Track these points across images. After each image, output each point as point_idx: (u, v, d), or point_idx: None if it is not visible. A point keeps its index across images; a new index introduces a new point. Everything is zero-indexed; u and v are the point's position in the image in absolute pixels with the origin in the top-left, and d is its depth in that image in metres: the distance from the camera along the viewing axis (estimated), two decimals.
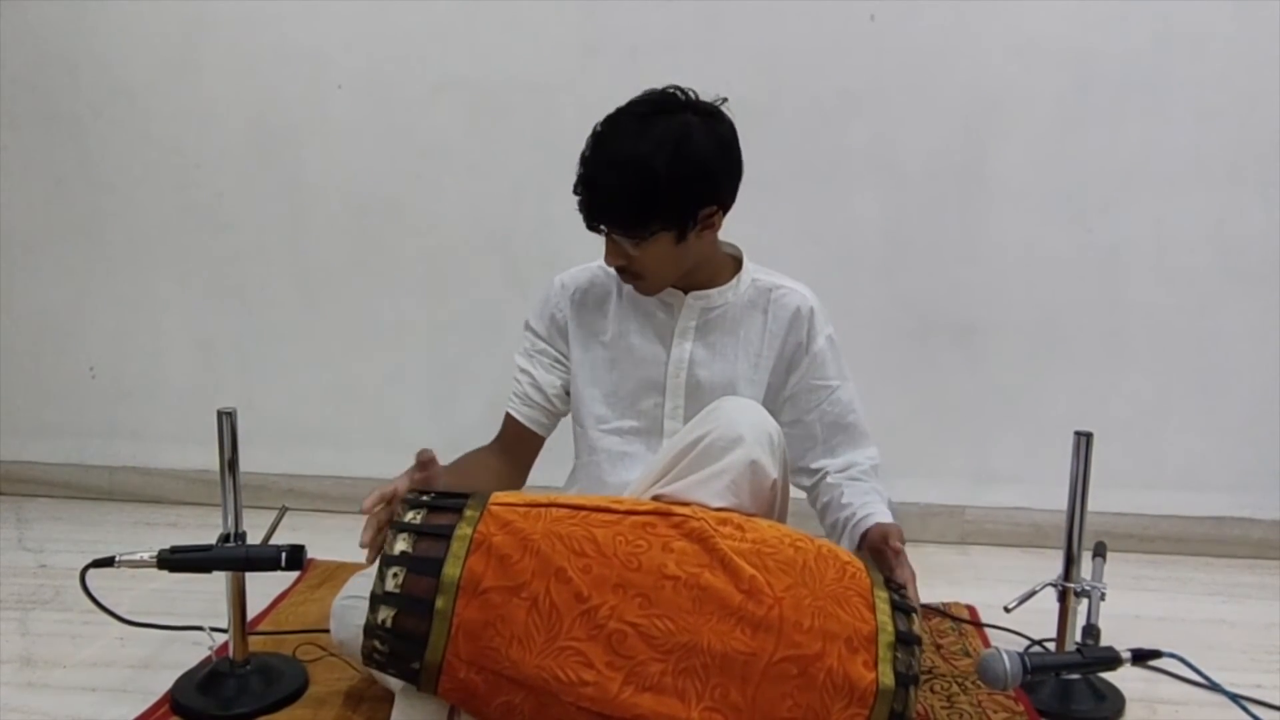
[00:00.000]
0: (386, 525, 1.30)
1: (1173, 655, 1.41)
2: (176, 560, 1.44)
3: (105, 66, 2.46)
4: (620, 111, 1.49)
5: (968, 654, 1.79)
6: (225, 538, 1.55)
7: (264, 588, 1.89)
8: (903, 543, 1.41)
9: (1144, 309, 2.36)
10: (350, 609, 1.46)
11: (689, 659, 1.19)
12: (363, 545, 1.33)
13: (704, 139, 1.46)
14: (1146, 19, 2.25)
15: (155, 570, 1.44)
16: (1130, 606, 2.00)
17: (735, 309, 1.62)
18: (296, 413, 2.56)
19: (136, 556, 1.43)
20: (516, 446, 1.69)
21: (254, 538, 1.53)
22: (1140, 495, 2.38)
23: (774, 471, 1.40)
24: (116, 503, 2.59)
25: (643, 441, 1.63)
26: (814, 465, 1.65)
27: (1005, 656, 1.32)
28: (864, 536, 1.48)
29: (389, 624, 1.20)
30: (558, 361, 1.68)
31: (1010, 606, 1.65)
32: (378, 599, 1.21)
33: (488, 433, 1.72)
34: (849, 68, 2.32)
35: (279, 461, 2.50)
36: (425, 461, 1.42)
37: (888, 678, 1.19)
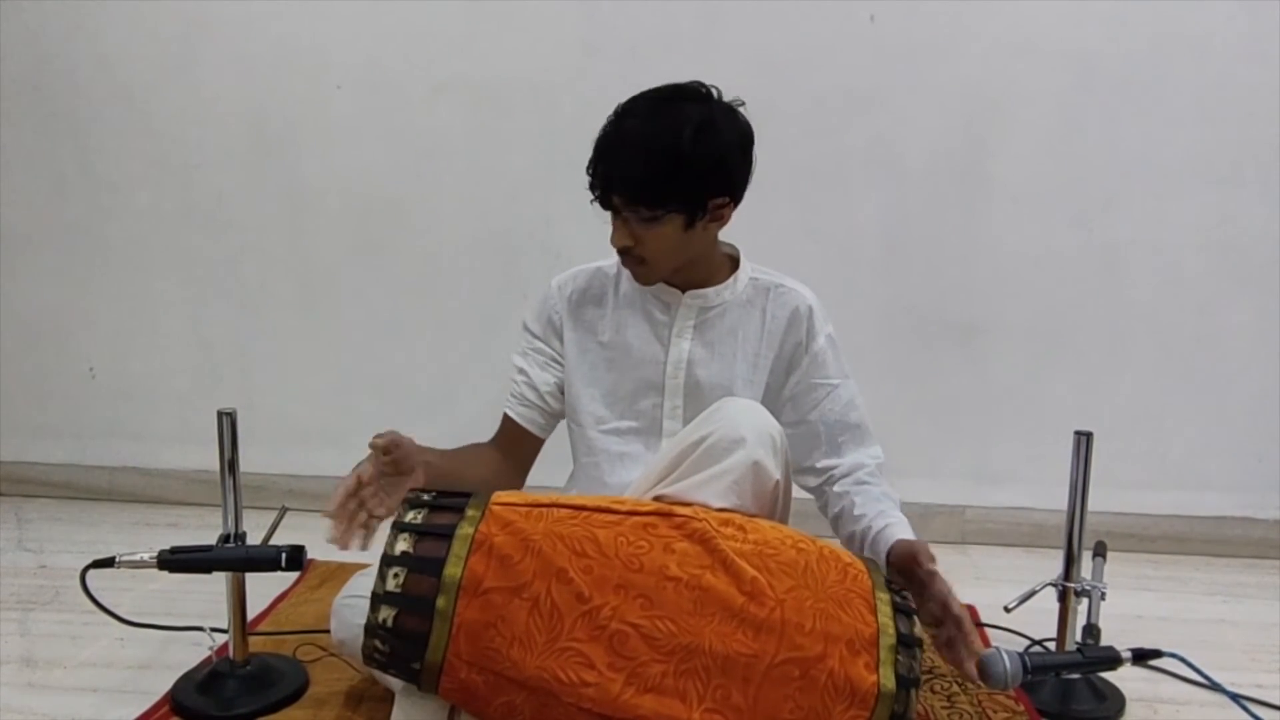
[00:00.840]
0: (355, 517, 1.31)
1: (1173, 655, 1.41)
2: (176, 560, 1.44)
3: (105, 66, 2.46)
4: (644, 94, 1.50)
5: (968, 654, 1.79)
6: (225, 538, 1.55)
7: (264, 588, 1.89)
8: (933, 561, 1.39)
9: (1144, 309, 2.36)
10: (351, 608, 1.46)
11: (690, 660, 1.18)
12: (331, 541, 1.31)
13: (727, 129, 1.48)
14: (1146, 19, 2.25)
15: (155, 570, 1.44)
16: (1130, 606, 2.00)
17: (733, 308, 1.62)
18: (296, 413, 2.55)
19: (136, 557, 1.43)
20: (514, 447, 1.69)
21: (254, 538, 1.53)
22: (1140, 495, 2.38)
23: (776, 472, 1.39)
24: (116, 503, 2.59)
25: (641, 441, 1.62)
26: (819, 465, 1.63)
27: (1005, 656, 1.31)
28: (887, 555, 1.46)
29: (390, 624, 1.20)
30: (553, 360, 1.68)
31: (1010, 606, 1.65)
32: (379, 598, 1.21)
33: (486, 433, 1.72)
34: (849, 68, 2.32)
35: (279, 461, 2.50)
36: (386, 446, 1.36)
37: (889, 680, 1.19)
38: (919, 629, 1.26)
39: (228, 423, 1.56)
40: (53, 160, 2.51)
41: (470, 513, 1.26)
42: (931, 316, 2.41)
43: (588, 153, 1.52)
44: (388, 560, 1.22)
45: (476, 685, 1.21)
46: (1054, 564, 1.67)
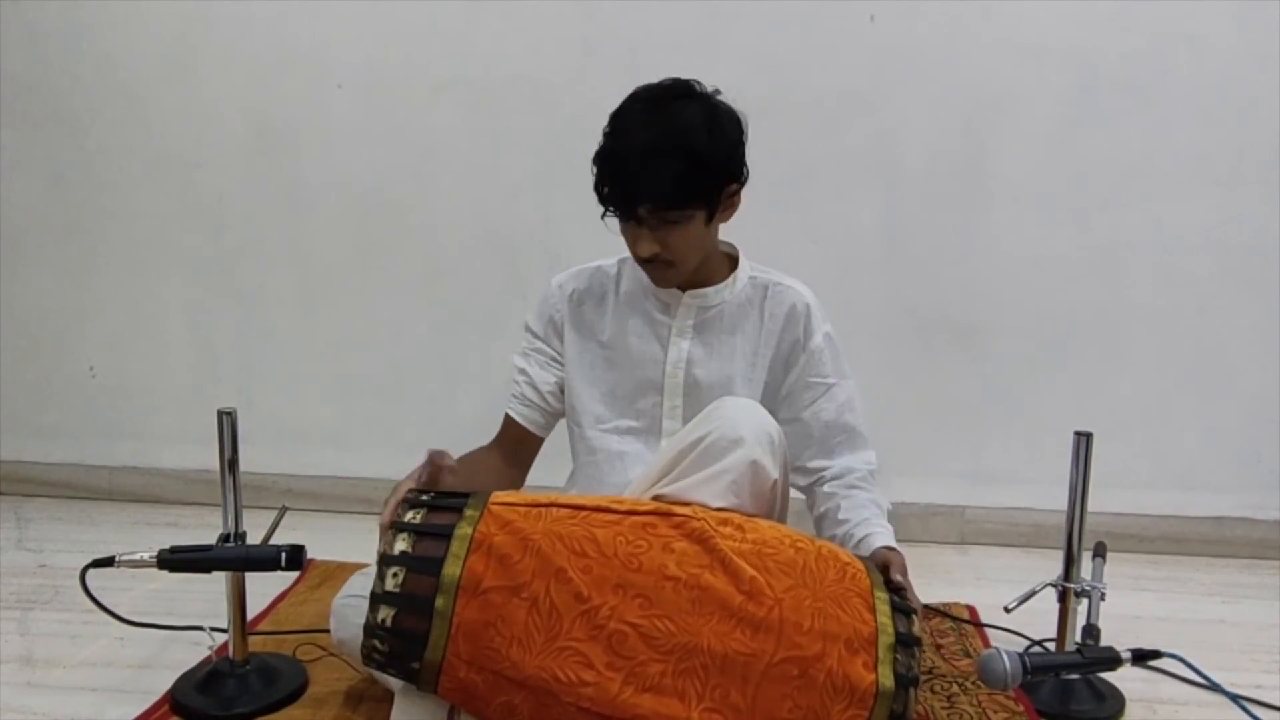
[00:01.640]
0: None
1: (1173, 655, 1.41)
2: (176, 560, 1.44)
3: (105, 66, 2.46)
4: (636, 101, 1.50)
5: (968, 654, 1.79)
6: (225, 538, 1.55)
7: (264, 588, 1.89)
8: (904, 574, 1.39)
9: (1144, 309, 2.36)
10: (351, 608, 1.46)
11: (689, 659, 1.18)
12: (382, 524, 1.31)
13: (726, 118, 1.50)
14: (1146, 19, 2.24)
15: (155, 570, 1.44)
16: (1130, 606, 2.00)
17: (732, 307, 1.62)
18: (296, 413, 2.55)
19: (136, 556, 1.43)
20: (515, 447, 1.70)
21: (254, 538, 1.53)
22: (1140, 495, 2.38)
23: (775, 472, 1.40)
24: (116, 503, 2.59)
25: (641, 441, 1.63)
26: (811, 465, 1.64)
27: (1005, 656, 1.32)
28: None
29: (389, 623, 1.20)
30: (553, 360, 1.69)
31: (1010, 606, 1.65)
32: (377, 598, 1.21)
33: (487, 432, 1.72)
34: (849, 68, 2.32)
35: (279, 461, 2.50)
36: (439, 466, 1.38)
37: (887, 679, 1.19)
38: (917, 628, 1.26)
39: (228, 422, 1.56)
40: (53, 160, 2.51)
41: (469, 513, 1.26)
42: (931, 317, 2.41)
43: (588, 153, 1.51)
44: (386, 560, 1.22)
45: (475, 685, 1.21)
46: (1054, 564, 1.67)
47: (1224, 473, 2.39)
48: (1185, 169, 2.30)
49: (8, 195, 2.54)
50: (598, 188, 1.49)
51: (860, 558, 1.36)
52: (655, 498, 1.39)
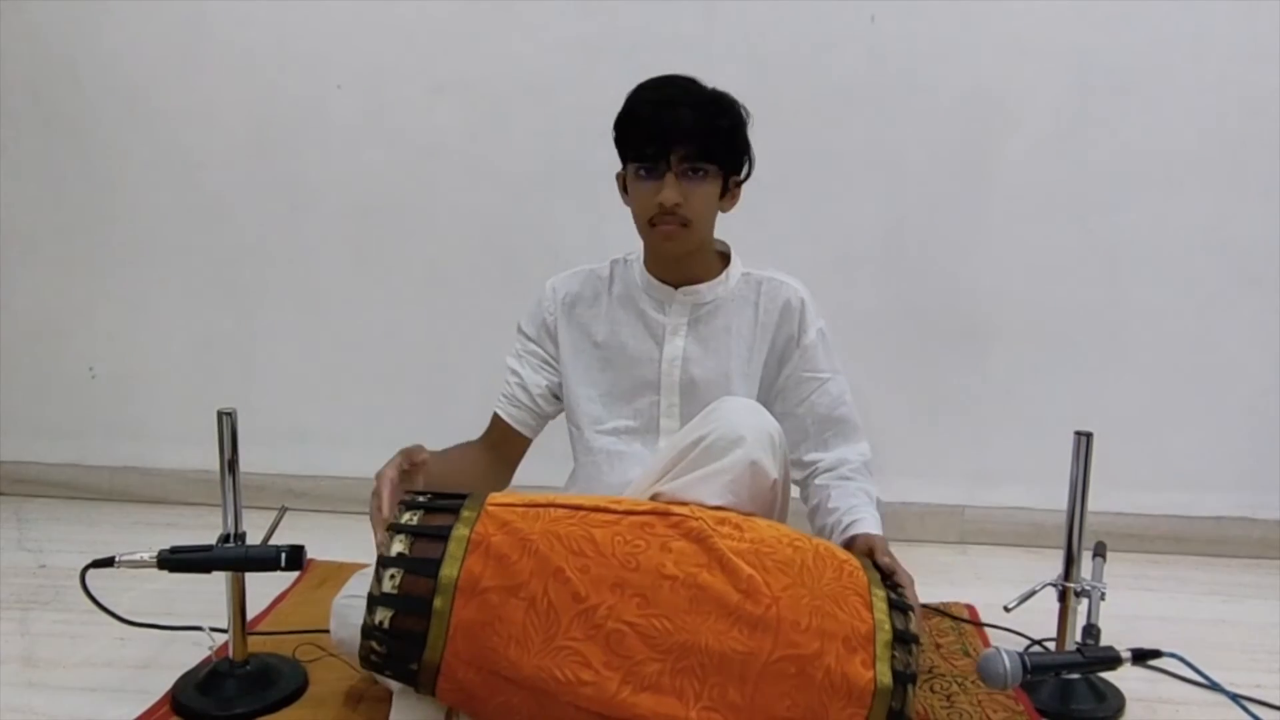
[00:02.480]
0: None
1: (1173, 655, 1.41)
2: (176, 560, 1.44)
3: (105, 66, 2.46)
4: (655, 77, 1.55)
5: (967, 654, 1.79)
6: (225, 538, 1.55)
7: (264, 588, 1.89)
8: (889, 555, 1.41)
9: (1144, 309, 2.36)
10: (351, 608, 1.46)
11: (687, 658, 1.19)
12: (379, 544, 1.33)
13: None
14: (1146, 19, 2.24)
15: (155, 570, 1.44)
16: (1130, 606, 2.00)
17: (726, 303, 1.63)
18: (296, 413, 2.55)
19: (136, 556, 1.43)
20: (503, 445, 1.71)
21: (254, 538, 1.53)
22: (1140, 495, 2.38)
23: (774, 472, 1.40)
24: (116, 503, 2.59)
25: (639, 440, 1.63)
26: (806, 459, 1.65)
27: (1005, 656, 1.31)
28: (849, 547, 1.47)
29: (386, 625, 1.20)
30: (546, 363, 1.69)
31: (1010, 606, 1.65)
32: (375, 600, 1.21)
33: (482, 434, 1.73)
34: (849, 68, 2.32)
35: (279, 461, 2.50)
36: (414, 462, 1.42)
37: (885, 676, 1.19)
38: (915, 625, 1.26)
39: (228, 423, 1.56)
40: (53, 160, 2.51)
41: (466, 514, 1.26)
42: (931, 317, 2.40)
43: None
44: (384, 562, 1.22)
45: (474, 685, 1.21)
46: (1054, 564, 1.67)
47: (1224, 473, 2.39)
48: (1185, 169, 2.29)
49: (8, 195, 2.54)
50: (625, 137, 1.53)
51: (858, 556, 1.36)
52: (654, 496, 1.39)
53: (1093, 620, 1.54)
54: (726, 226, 1.62)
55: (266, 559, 1.45)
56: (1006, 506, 2.43)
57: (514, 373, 1.70)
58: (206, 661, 1.63)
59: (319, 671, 1.65)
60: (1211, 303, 2.34)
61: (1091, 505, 1.63)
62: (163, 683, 1.62)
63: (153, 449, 2.61)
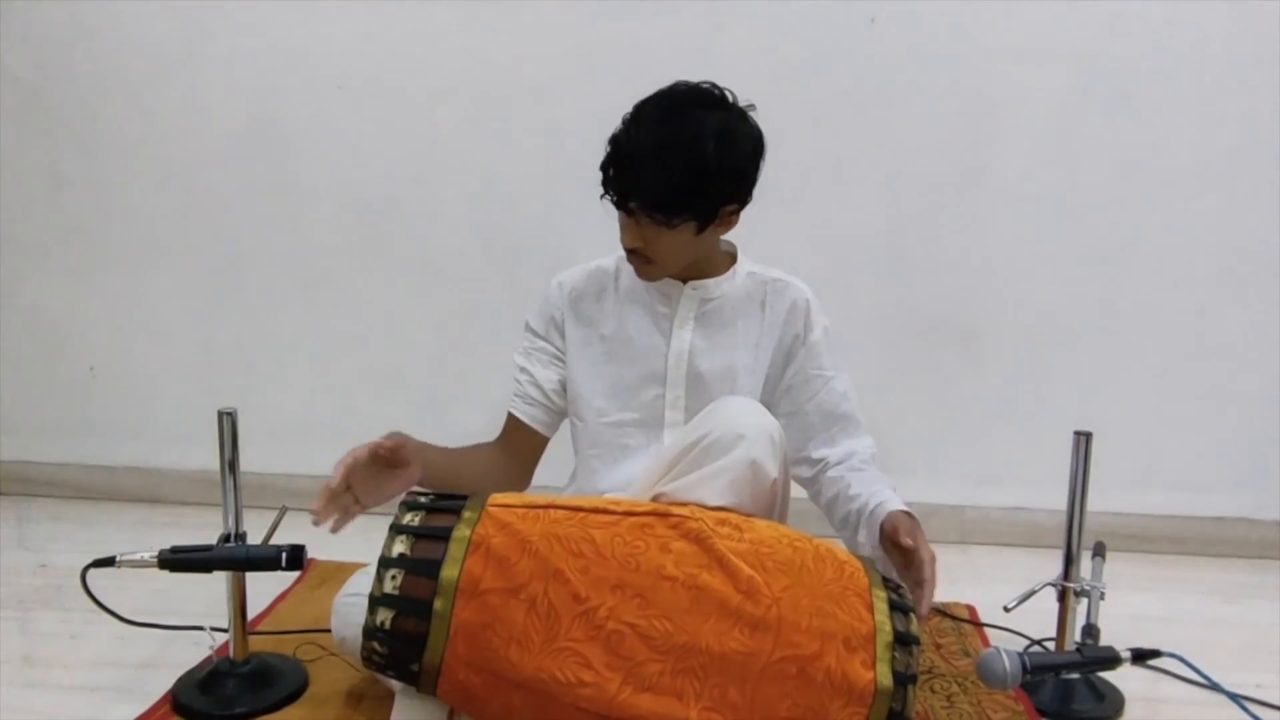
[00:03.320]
0: (346, 507, 1.34)
1: (1173, 655, 1.41)
2: (177, 560, 1.44)
3: (105, 66, 2.46)
4: (659, 96, 1.49)
5: (967, 654, 1.79)
6: (225, 538, 1.55)
7: (264, 588, 1.89)
8: (914, 537, 1.41)
9: (1144, 309, 2.36)
10: (352, 607, 1.46)
11: (687, 659, 1.19)
12: (313, 511, 1.34)
13: (744, 138, 1.49)
14: (1146, 19, 2.24)
15: (156, 570, 1.43)
16: (1130, 606, 2.00)
17: (732, 300, 1.63)
18: (296, 413, 2.55)
19: (137, 556, 1.43)
20: (519, 445, 1.70)
21: (254, 538, 1.53)
22: (1140, 495, 2.38)
23: (774, 471, 1.40)
24: (116, 503, 2.59)
25: (643, 434, 1.63)
26: (815, 455, 1.65)
27: (1005, 656, 1.32)
28: (882, 529, 1.47)
29: (387, 626, 1.21)
30: (555, 358, 1.69)
31: (1010, 606, 1.65)
32: (376, 601, 1.21)
33: (485, 433, 1.72)
34: (849, 69, 2.32)
35: (279, 461, 2.49)
36: (393, 448, 1.40)
37: (886, 677, 1.19)
38: (916, 626, 1.26)
39: (228, 422, 1.56)
40: (53, 160, 2.51)
41: (467, 515, 1.26)
42: (932, 317, 2.40)
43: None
44: (385, 562, 1.22)
45: (475, 686, 1.21)
46: (1053, 564, 1.67)
47: (1224, 473, 2.39)
48: (1185, 169, 2.30)
49: (8, 195, 2.54)
50: (602, 169, 1.50)
51: (859, 556, 1.37)
52: (655, 497, 1.39)
53: (1092, 620, 1.54)
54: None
55: (267, 559, 1.44)
56: (1006, 506, 2.43)
57: (524, 370, 1.70)
58: (207, 661, 1.63)
59: (319, 671, 1.65)
60: (1211, 303, 2.34)
61: (1091, 505, 1.64)
62: (163, 682, 1.62)
63: (153, 449, 2.60)
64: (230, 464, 1.57)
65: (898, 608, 1.25)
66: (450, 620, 1.20)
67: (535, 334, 1.71)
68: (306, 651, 1.70)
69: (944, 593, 2.03)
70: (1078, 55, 2.28)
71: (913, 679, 1.21)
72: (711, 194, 1.47)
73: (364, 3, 2.38)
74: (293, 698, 1.59)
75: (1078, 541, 1.63)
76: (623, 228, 1.53)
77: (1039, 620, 1.76)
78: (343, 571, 1.92)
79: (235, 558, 1.48)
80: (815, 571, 1.25)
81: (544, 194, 2.40)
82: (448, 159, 2.44)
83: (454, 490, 1.37)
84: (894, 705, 1.19)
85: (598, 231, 1.58)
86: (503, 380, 1.74)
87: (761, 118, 1.56)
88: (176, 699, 1.57)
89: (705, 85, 1.50)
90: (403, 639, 1.21)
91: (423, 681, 1.23)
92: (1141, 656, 1.38)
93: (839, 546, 1.41)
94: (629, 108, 1.51)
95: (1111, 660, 1.38)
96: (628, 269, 1.65)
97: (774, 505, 1.43)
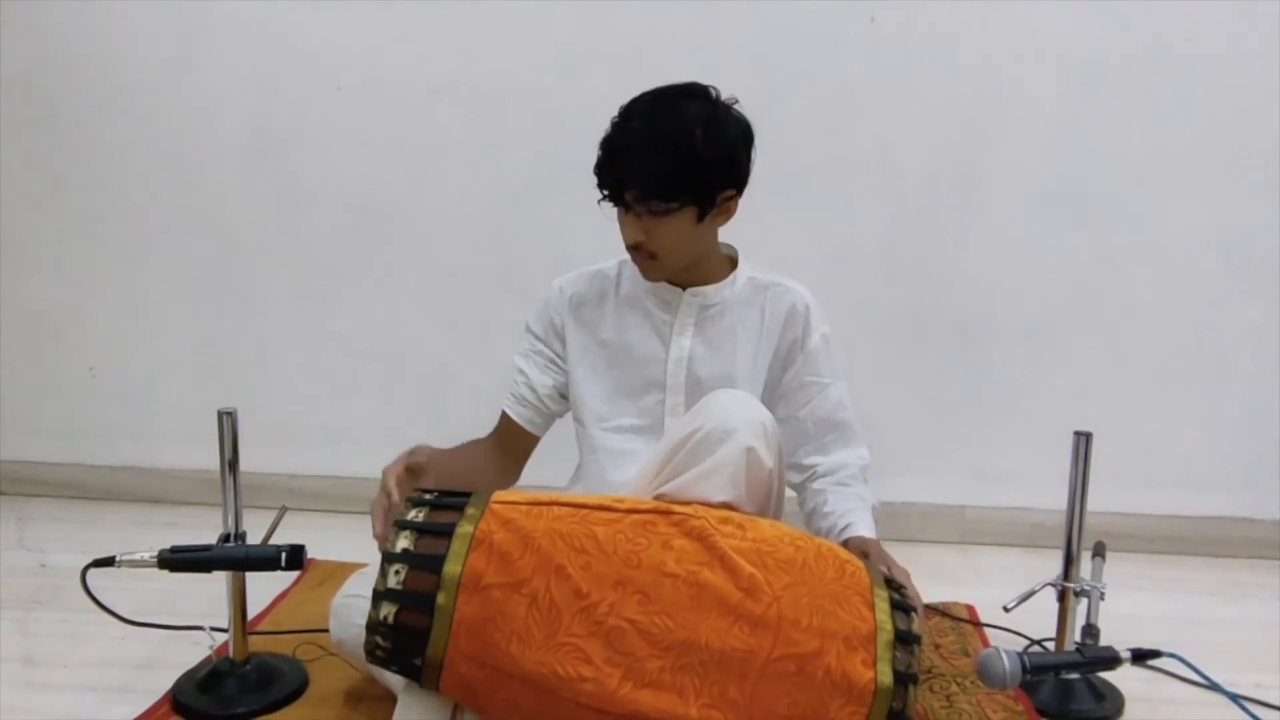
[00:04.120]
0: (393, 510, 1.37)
1: (1173, 655, 1.41)
2: (177, 560, 1.44)
3: (105, 66, 2.46)
4: (645, 95, 1.53)
5: (967, 653, 1.79)
6: (225, 538, 1.55)
7: (264, 588, 1.89)
8: (884, 559, 1.43)
9: (1143, 309, 2.36)
10: (350, 607, 1.47)
11: (687, 656, 1.19)
12: (377, 537, 1.38)
13: (731, 125, 1.52)
14: (1146, 19, 2.25)
15: (156, 570, 1.43)
16: (1130, 606, 2.00)
17: (732, 305, 1.63)
18: (296, 413, 2.55)
19: (137, 556, 1.43)
20: (511, 443, 1.72)
21: (254, 538, 1.53)
22: (1140, 495, 2.38)
23: (769, 460, 1.40)
24: (116, 503, 2.59)
25: (643, 439, 1.63)
26: (805, 462, 1.66)
27: (1004, 656, 1.32)
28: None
29: (391, 620, 1.21)
30: (553, 363, 1.70)
31: (1009, 606, 1.65)
32: (380, 595, 1.21)
33: (485, 432, 1.73)
34: (849, 69, 2.32)
35: (279, 461, 2.50)
36: (416, 464, 1.48)
37: (886, 676, 1.19)
38: (917, 626, 1.26)
39: (228, 422, 1.56)
40: (53, 160, 2.51)
41: (470, 511, 1.27)
42: (931, 317, 2.41)
43: (587, 154, 1.53)
44: (389, 557, 1.23)
45: (477, 681, 1.22)
46: (1053, 564, 1.67)
47: (1224, 473, 2.39)
48: (1185, 169, 2.30)
49: (8, 195, 2.54)
50: (595, 170, 1.52)
51: (860, 557, 1.37)
52: (657, 497, 1.39)
53: (1092, 620, 1.54)
54: (726, 227, 1.61)
55: (267, 559, 1.45)
56: (1006, 506, 2.43)
57: (521, 372, 1.71)
58: (207, 661, 1.63)
59: (319, 671, 1.65)
60: (1211, 302, 2.34)
61: (1091, 505, 1.64)
62: (163, 682, 1.62)
63: (153, 449, 2.60)
64: (230, 464, 1.57)
65: (899, 607, 1.25)
66: (453, 615, 1.20)
67: (535, 337, 1.72)
68: (306, 651, 1.70)
69: (944, 593, 2.05)
70: (1078, 55, 2.28)
71: (913, 678, 1.21)
72: (703, 177, 1.49)
73: (364, 3, 2.38)
74: (292, 698, 1.59)
75: (1077, 541, 1.63)
76: (623, 225, 1.54)
77: (1039, 620, 1.76)
78: (342, 571, 1.93)
79: (235, 558, 1.48)
80: (817, 570, 1.25)
81: (543, 194, 2.40)
82: (447, 159, 2.44)
83: (450, 485, 1.39)
84: (894, 704, 1.19)
85: (597, 231, 1.58)
86: (502, 380, 1.74)
87: (760, 116, 1.56)
88: (176, 699, 1.57)
89: (690, 83, 1.54)
90: (406, 633, 1.21)
91: (425, 676, 1.23)
92: (1141, 656, 1.38)
93: (840, 547, 1.41)
94: None
95: (1111, 660, 1.38)
96: (629, 274, 1.65)
97: (770, 495, 1.44)
